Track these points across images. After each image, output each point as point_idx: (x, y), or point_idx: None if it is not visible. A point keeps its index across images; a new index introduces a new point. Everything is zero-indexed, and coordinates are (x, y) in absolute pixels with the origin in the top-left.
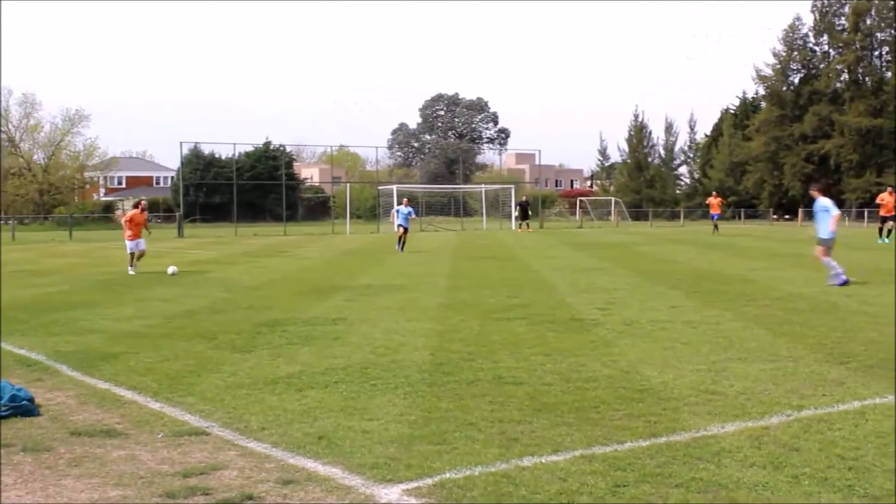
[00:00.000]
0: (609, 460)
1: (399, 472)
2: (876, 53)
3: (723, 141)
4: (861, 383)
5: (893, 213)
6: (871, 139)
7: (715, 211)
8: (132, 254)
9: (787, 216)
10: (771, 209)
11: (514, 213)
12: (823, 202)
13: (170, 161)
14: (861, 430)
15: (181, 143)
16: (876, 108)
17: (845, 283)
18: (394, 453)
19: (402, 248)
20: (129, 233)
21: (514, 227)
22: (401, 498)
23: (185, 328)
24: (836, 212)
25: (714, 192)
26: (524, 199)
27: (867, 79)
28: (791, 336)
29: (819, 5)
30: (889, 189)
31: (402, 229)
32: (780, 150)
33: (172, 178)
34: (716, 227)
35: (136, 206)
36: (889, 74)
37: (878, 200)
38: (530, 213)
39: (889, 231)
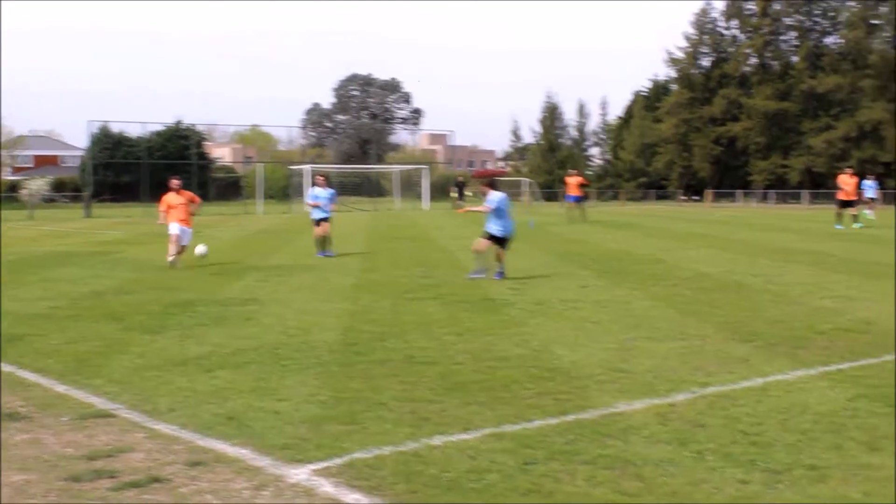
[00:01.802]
0: (519, 438)
1: (309, 452)
2: (783, 38)
3: (634, 123)
4: (764, 361)
5: (855, 198)
6: (778, 122)
7: (572, 192)
8: (181, 243)
9: (695, 197)
10: (680, 190)
11: (453, 194)
12: (495, 196)
13: (77, 140)
14: (763, 406)
15: (89, 121)
16: (783, 92)
17: (482, 275)
18: (304, 434)
19: (326, 250)
20: (165, 216)
21: (448, 208)
22: (310, 478)
23: (93, 309)
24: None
25: (573, 171)
26: (460, 179)
27: (775, 63)
28: (698, 315)
29: None
30: (849, 170)
31: (321, 227)
32: (690, 132)
33: (81, 157)
34: (573, 210)
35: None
36: (796, 59)
37: (839, 183)
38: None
39: (854, 217)
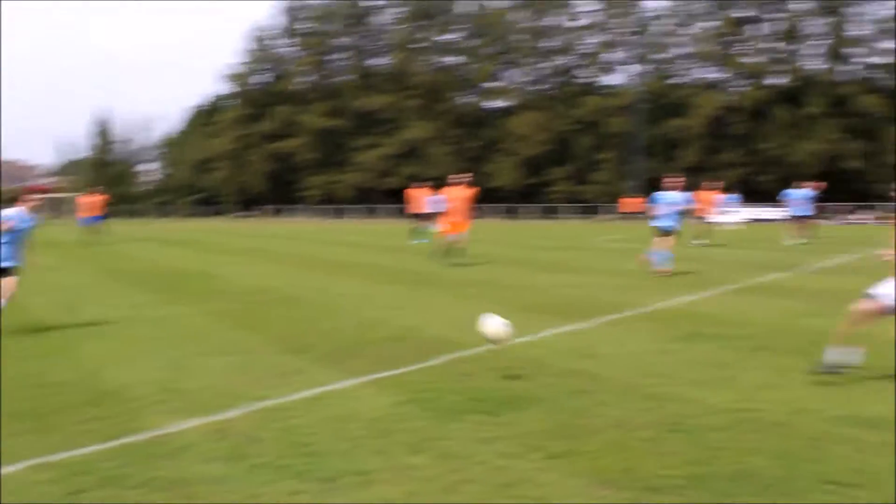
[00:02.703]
0: (67, 466)
1: None
2: (336, 57)
3: (191, 138)
4: (318, 371)
5: (425, 211)
6: (330, 139)
7: (89, 213)
8: None
9: (250, 212)
10: (236, 205)
11: None
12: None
13: None
14: (317, 415)
15: None
16: (335, 110)
17: None
18: None
19: None
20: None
21: None
22: None
23: None
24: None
25: (92, 189)
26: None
27: (328, 81)
28: (253, 329)
29: (286, 7)
30: (424, 185)
31: None
32: (246, 148)
33: None
34: (94, 232)
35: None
36: (348, 78)
37: (409, 198)
38: None
39: (421, 231)
